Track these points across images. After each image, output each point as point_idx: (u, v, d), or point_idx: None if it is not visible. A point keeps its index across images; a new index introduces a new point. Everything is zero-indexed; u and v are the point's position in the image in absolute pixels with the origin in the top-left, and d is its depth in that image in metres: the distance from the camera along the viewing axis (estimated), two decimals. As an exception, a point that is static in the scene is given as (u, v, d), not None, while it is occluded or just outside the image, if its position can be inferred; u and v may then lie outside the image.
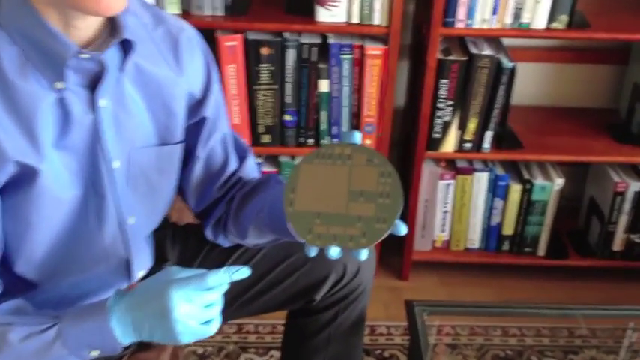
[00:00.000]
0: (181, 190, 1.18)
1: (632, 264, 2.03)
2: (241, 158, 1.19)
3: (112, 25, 0.97)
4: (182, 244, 1.28)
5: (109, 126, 1.00)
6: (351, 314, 1.29)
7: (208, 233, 1.21)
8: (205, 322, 0.93)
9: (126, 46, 0.98)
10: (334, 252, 0.90)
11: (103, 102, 0.98)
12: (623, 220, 1.98)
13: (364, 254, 0.91)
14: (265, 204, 1.09)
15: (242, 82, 1.76)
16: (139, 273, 1.14)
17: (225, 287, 0.94)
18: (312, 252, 0.92)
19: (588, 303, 1.97)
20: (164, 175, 1.10)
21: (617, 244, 2.01)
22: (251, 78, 1.75)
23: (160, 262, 1.22)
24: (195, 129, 1.12)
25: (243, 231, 1.15)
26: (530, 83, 2.04)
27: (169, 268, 0.96)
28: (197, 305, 0.91)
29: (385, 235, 0.91)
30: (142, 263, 1.14)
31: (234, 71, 1.74)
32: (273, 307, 1.29)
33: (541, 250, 2.03)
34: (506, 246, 2.03)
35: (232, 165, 1.17)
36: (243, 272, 0.94)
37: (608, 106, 2.09)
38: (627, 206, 1.95)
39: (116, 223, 1.06)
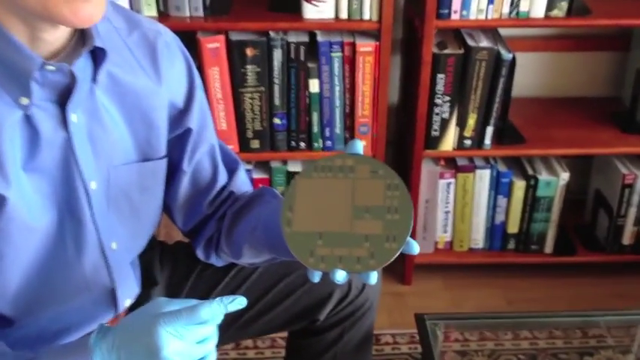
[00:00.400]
0: (167, 209, 1.08)
1: (642, 257, 1.95)
2: (231, 171, 1.09)
3: (80, 33, 0.87)
4: (172, 265, 1.18)
5: (84, 143, 0.90)
6: (357, 332, 1.20)
7: (199, 253, 1.12)
8: None
9: (98, 55, 0.89)
10: (340, 276, 0.81)
11: (74, 117, 0.88)
12: (632, 213, 1.89)
13: (373, 278, 0.82)
14: (260, 221, 1.00)
15: (227, 86, 1.66)
16: (126, 302, 1.05)
17: (219, 319, 0.85)
18: (316, 277, 0.83)
19: (600, 301, 1.90)
20: (148, 193, 1.00)
21: (627, 238, 1.93)
22: (236, 81, 1.66)
23: (148, 286, 1.12)
24: (179, 142, 1.02)
25: (238, 250, 1.05)
26: (528, 74, 1.95)
27: (156, 300, 0.86)
28: (189, 342, 0.81)
29: (396, 256, 0.82)
30: (128, 291, 1.04)
31: (218, 74, 1.64)
32: (274, 328, 1.19)
33: (548, 248, 1.95)
34: (511, 245, 1.95)
35: (222, 179, 1.08)
36: (239, 302, 0.85)
37: (610, 95, 2.01)
38: (636, 198, 1.87)
39: (97, 250, 0.96)
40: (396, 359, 1.74)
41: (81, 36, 0.87)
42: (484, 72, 1.66)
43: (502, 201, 1.88)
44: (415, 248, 0.82)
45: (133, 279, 1.05)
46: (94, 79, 0.89)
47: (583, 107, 1.94)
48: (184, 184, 1.05)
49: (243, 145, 1.74)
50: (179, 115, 1.00)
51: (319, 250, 0.82)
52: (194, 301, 0.85)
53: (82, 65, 0.87)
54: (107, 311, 1.03)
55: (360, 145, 0.87)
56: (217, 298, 0.84)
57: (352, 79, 1.66)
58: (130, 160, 0.96)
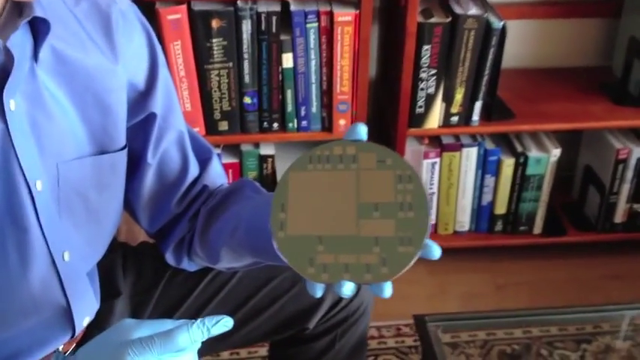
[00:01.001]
0: (129, 207, 0.93)
1: (635, 235, 1.85)
2: (203, 161, 0.94)
3: (16, 3, 0.71)
4: (136, 271, 1.02)
5: (25, 135, 0.74)
6: (350, 339, 1.07)
7: (169, 258, 0.96)
8: None
9: (38, 28, 0.72)
10: (348, 289, 0.66)
11: (12, 104, 0.71)
12: (625, 190, 1.79)
13: (388, 290, 0.67)
14: (241, 220, 0.85)
15: (191, 62, 1.50)
16: (84, 321, 0.89)
17: (199, 344, 0.70)
18: (318, 291, 0.69)
19: (593, 284, 1.80)
20: (106, 192, 0.84)
21: (620, 216, 1.83)
22: (201, 56, 1.49)
23: (109, 297, 0.97)
24: (141, 129, 0.86)
25: (214, 254, 0.90)
26: (514, 43, 1.81)
27: (123, 324, 0.71)
28: None
29: (413, 262, 0.68)
30: (86, 308, 0.88)
31: (180, 49, 1.47)
32: (256, 339, 1.05)
33: (537, 228, 1.84)
34: (499, 226, 1.83)
35: (193, 171, 0.92)
36: (224, 324, 0.70)
37: (598, 64, 1.89)
38: (630, 174, 1.76)
39: (46, 262, 0.80)
40: (383, 354, 1.62)
41: (16, 5, 0.71)
42: (473, 42, 1.52)
43: (489, 180, 1.76)
44: (436, 251, 0.68)
45: (91, 293, 0.89)
46: (34, 57, 0.73)
47: (572, 78, 1.82)
48: (149, 179, 0.89)
49: (211, 128, 1.58)
50: (140, 98, 0.84)
51: (320, 258, 0.68)
52: (168, 323, 0.70)
53: (18, 40, 0.70)
54: (62, 333, 0.87)
55: (362, 130, 0.73)
56: (198, 320, 0.69)
57: (330, 52, 1.51)
58: (84, 154, 0.80)
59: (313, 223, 0.69)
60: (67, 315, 0.85)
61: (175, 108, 0.89)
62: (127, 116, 0.84)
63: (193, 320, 0.69)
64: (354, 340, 1.07)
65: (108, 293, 0.96)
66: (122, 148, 0.84)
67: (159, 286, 1.01)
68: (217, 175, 0.95)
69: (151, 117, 0.86)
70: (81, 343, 0.89)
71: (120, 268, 1.01)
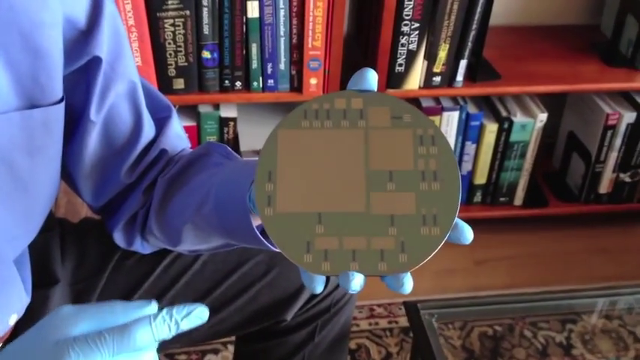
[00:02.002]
0: (69, 177, 0.75)
1: (621, 207, 1.75)
2: (161, 121, 0.76)
3: None
4: (78, 254, 0.84)
5: None
6: (331, 330, 0.92)
7: (118, 238, 0.79)
8: None
9: None
10: (356, 284, 0.51)
11: None
12: (612, 158, 1.67)
13: (408, 284, 0.52)
14: (209, 192, 0.68)
15: (141, 9, 1.30)
16: (11, 319, 0.71)
17: (162, 340, 0.53)
18: (318, 286, 0.53)
19: (578, 257, 1.69)
20: (38, 156, 0.66)
21: (605, 186, 1.72)
22: (153, 2, 1.30)
23: (44, 285, 0.79)
24: (82, 78, 0.68)
25: (174, 234, 0.74)
26: (498, -2, 1.66)
27: (60, 313, 0.53)
28: None
29: (439, 247, 0.53)
30: (13, 303, 0.70)
31: (129, -5, 1.28)
32: (222, 333, 0.89)
33: (518, 200, 1.71)
34: (478, 197, 1.70)
35: (147, 132, 0.74)
36: (198, 316, 0.53)
37: (587, 22, 1.76)
38: (618, 141, 1.65)
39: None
40: (356, 337, 1.48)
41: None
42: (460, -8, 1.37)
43: (470, 148, 1.62)
44: (468, 234, 0.53)
45: (19, 284, 0.71)
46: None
47: (560, 37, 1.68)
48: (93, 141, 0.72)
49: (164, 86, 1.40)
50: (81, 38, 0.66)
51: (320, 242, 0.52)
52: (118, 307, 0.53)
53: None
54: (-17, 334, 0.69)
55: (372, 77, 0.57)
56: (163, 311, 0.52)
57: (301, 0, 1.33)
58: (8, 108, 0.62)
59: (310, 196, 0.54)
60: (-10, 312, 0.67)
61: (126, 53, 0.71)
62: (63, 61, 0.65)
63: (158, 311, 0.52)
64: (335, 331, 0.93)
65: (42, 281, 0.78)
66: (58, 102, 0.66)
67: (105, 271, 0.83)
68: (178, 138, 0.77)
69: (95, 62, 0.67)
70: (8, 342, 0.72)
71: (57, 250, 0.83)
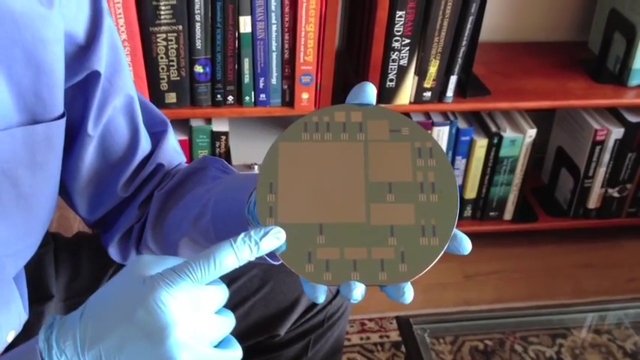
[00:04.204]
0: (64, 191, 0.75)
1: (609, 222, 1.76)
2: (157, 135, 0.77)
3: None
4: (72, 269, 0.84)
5: None
6: (325, 345, 0.92)
7: (113, 252, 0.79)
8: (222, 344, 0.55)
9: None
10: (357, 293, 0.52)
11: None
12: (601, 174, 1.69)
13: (409, 294, 0.53)
14: (207, 205, 0.68)
15: (134, 24, 1.30)
16: (9, 336, 0.70)
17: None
18: (321, 295, 0.53)
19: (566, 272, 1.70)
20: (40, 171, 0.66)
21: (594, 202, 1.73)
22: (146, 17, 1.30)
23: (38, 302, 0.79)
24: (80, 93, 0.68)
25: (170, 248, 0.74)
26: (487, 14, 1.68)
27: (141, 260, 0.54)
28: (206, 317, 0.52)
29: (439, 257, 0.54)
30: (11, 320, 0.70)
31: (121, 8, 1.28)
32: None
33: (508, 214, 1.72)
34: (468, 212, 1.71)
35: (144, 146, 0.75)
36: (275, 235, 0.53)
37: (574, 39, 1.78)
38: (607, 157, 1.66)
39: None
40: (347, 353, 1.48)
41: None
42: (451, 9, 1.38)
43: (460, 163, 1.63)
44: (466, 244, 0.54)
45: (19, 301, 0.70)
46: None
47: (548, 53, 1.70)
48: (89, 155, 0.72)
49: (156, 100, 1.40)
50: (80, 53, 0.66)
51: (322, 253, 0.53)
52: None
53: None
54: (-22, 350, 0.69)
55: (371, 91, 0.58)
56: (241, 235, 0.53)
57: (293, 16, 1.34)
58: (10, 124, 0.62)
59: (311, 208, 0.54)
60: (-14, 328, 0.67)
61: (123, 67, 0.71)
62: (63, 75, 0.66)
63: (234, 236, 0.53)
64: (329, 345, 0.93)
65: (36, 296, 0.78)
66: (59, 117, 0.66)
67: (99, 286, 0.83)
68: (174, 152, 0.77)
69: (93, 77, 0.67)
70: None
71: (51, 265, 0.83)
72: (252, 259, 0.53)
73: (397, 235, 0.54)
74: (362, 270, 0.53)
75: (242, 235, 0.52)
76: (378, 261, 0.53)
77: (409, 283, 0.53)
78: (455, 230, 0.54)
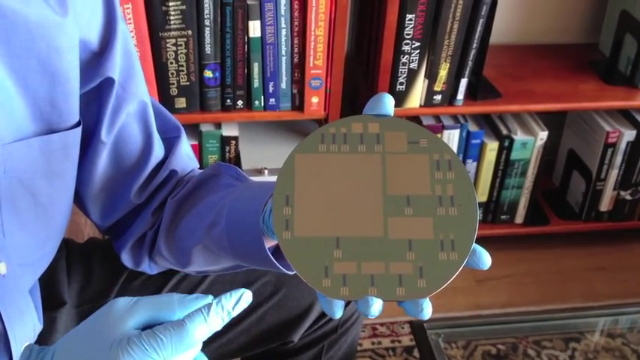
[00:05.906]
0: (77, 197, 0.74)
1: (622, 225, 1.75)
2: (170, 141, 0.76)
3: None
4: (84, 275, 0.84)
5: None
6: (338, 351, 0.91)
7: (125, 259, 0.78)
8: None
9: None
10: (375, 309, 0.51)
11: None
12: (613, 176, 1.68)
13: (427, 309, 0.52)
14: (221, 213, 0.68)
15: (143, 29, 1.30)
16: (23, 346, 0.70)
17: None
18: (338, 310, 0.52)
19: (579, 276, 1.69)
20: (57, 180, 0.66)
21: (605, 204, 1.72)
22: (156, 22, 1.30)
23: (51, 309, 0.78)
24: (94, 99, 0.68)
25: (184, 255, 0.73)
26: (497, 17, 1.67)
27: (113, 306, 0.53)
28: None
29: (458, 272, 0.53)
30: (26, 331, 0.69)
31: (131, 13, 1.28)
32: (228, 355, 0.88)
33: (519, 217, 1.71)
34: (479, 216, 1.69)
35: (157, 152, 0.74)
36: (246, 300, 0.55)
37: (585, 41, 1.77)
38: (619, 159, 1.65)
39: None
40: (359, 358, 1.47)
41: None
42: (461, 12, 1.37)
43: (471, 166, 1.62)
44: (486, 260, 0.54)
45: (33, 312, 0.70)
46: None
47: (559, 56, 1.69)
48: (103, 162, 0.71)
49: (166, 105, 1.37)
50: (94, 60, 0.66)
51: (338, 267, 0.52)
52: (175, 298, 0.54)
53: None
54: (-7, 362, 0.68)
55: (388, 102, 0.57)
56: (213, 302, 0.53)
57: (302, 20, 1.34)
58: (27, 134, 0.61)
59: (328, 221, 0.53)
60: (3, 341, 0.66)
61: (137, 73, 0.71)
62: (79, 83, 0.65)
63: (205, 303, 0.53)
64: (342, 351, 0.92)
65: (49, 303, 0.78)
66: (75, 125, 0.66)
67: (111, 293, 0.83)
68: (187, 158, 0.77)
69: (107, 83, 0.67)
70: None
71: (64, 271, 0.82)
72: (223, 324, 0.53)
73: (415, 249, 0.53)
74: (380, 285, 0.52)
75: (214, 302, 0.52)
76: (396, 276, 0.52)
77: (427, 298, 0.52)
78: (474, 245, 0.53)
